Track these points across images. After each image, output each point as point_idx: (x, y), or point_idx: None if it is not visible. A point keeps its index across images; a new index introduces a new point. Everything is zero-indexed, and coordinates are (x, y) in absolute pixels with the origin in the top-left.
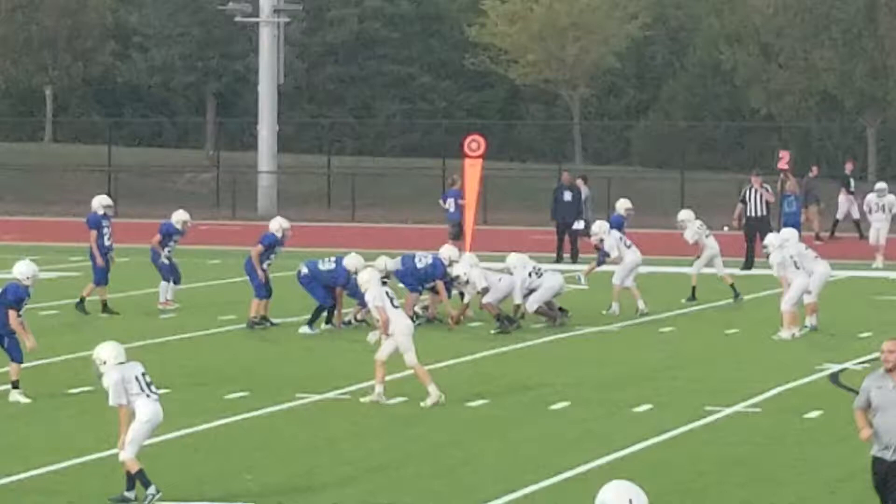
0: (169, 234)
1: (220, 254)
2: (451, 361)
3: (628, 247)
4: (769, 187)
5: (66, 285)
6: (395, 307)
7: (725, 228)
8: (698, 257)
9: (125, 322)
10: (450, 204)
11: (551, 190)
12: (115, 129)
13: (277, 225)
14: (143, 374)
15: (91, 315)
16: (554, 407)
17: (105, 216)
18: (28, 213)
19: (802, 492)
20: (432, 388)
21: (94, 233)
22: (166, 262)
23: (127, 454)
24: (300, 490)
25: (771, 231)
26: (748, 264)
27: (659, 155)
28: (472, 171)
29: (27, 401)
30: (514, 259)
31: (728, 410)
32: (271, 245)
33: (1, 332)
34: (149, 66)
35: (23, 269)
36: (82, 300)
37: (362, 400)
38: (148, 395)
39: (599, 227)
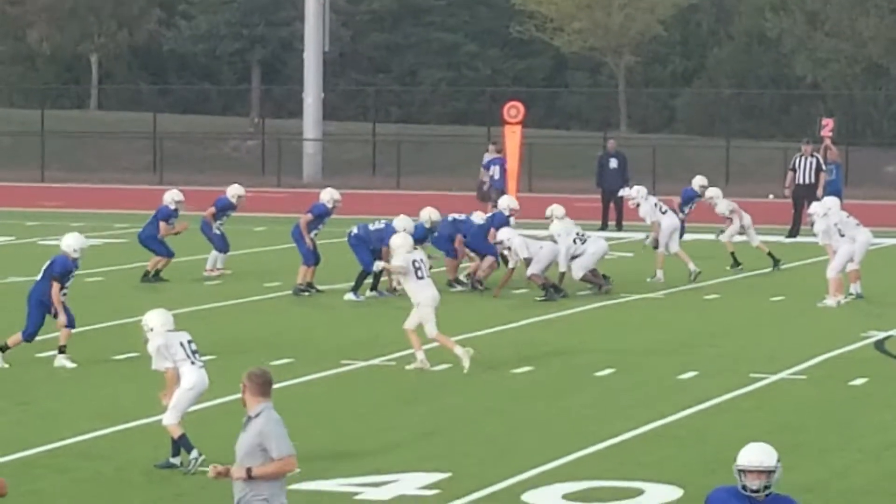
0: (223, 208)
1: (265, 221)
2: (496, 328)
3: (664, 213)
4: (818, 156)
5: (110, 252)
6: (421, 277)
7: (770, 196)
8: (727, 227)
9: (171, 289)
10: (494, 171)
11: (596, 157)
12: (161, 97)
13: (329, 196)
14: (189, 342)
15: (151, 282)
16: (599, 374)
17: (175, 212)
18: (73, 181)
19: (848, 459)
20: (459, 351)
21: (163, 224)
22: (217, 233)
23: (169, 419)
24: (344, 456)
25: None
26: (794, 232)
27: (704, 123)
28: (512, 137)
29: (73, 365)
30: (557, 226)
31: (773, 378)
32: (321, 215)
33: (48, 301)
34: (194, 33)
35: (71, 242)
36: (151, 273)
37: (407, 368)
38: (193, 363)
39: (637, 191)
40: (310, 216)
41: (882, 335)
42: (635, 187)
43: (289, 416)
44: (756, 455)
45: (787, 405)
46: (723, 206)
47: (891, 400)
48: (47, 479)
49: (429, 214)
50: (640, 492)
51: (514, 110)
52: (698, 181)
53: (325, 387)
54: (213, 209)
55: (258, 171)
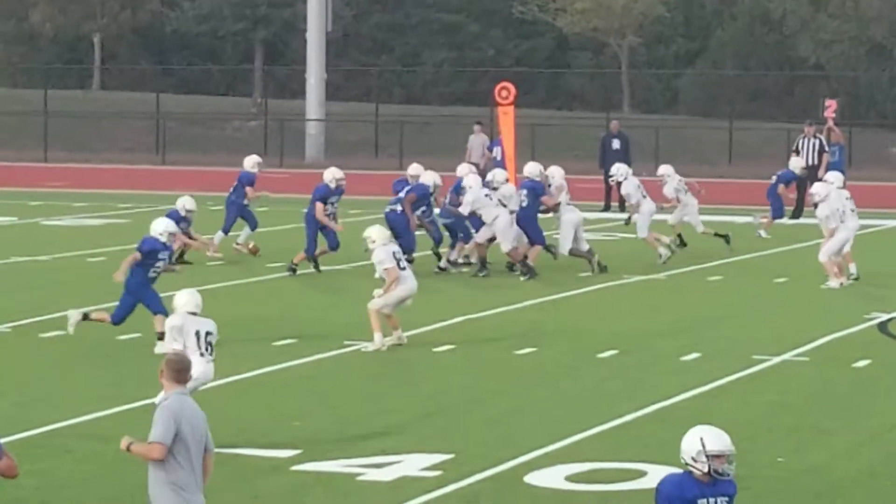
0: (248, 182)
1: (267, 201)
2: (500, 309)
3: (644, 196)
4: (822, 137)
5: (113, 232)
6: (403, 268)
7: (773, 177)
8: (673, 208)
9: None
10: (496, 152)
11: (599, 139)
12: (163, 77)
13: (330, 175)
14: (208, 333)
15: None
16: (602, 355)
17: (184, 219)
18: (76, 161)
19: (850, 441)
20: (393, 337)
21: (319, 205)
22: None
23: None
24: (347, 437)
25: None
26: (797, 213)
27: (707, 104)
28: (506, 118)
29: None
30: (507, 190)
31: (776, 359)
32: (324, 197)
33: (139, 289)
34: (196, 13)
35: (156, 227)
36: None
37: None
38: (201, 355)
39: (617, 169)
40: (320, 205)
41: (885, 317)
42: (616, 164)
43: (291, 396)
44: (726, 440)
45: (789, 387)
46: (672, 185)
47: (894, 382)
48: (49, 459)
49: (432, 179)
50: (642, 473)
51: (504, 91)
52: (797, 163)
53: (327, 367)
54: (238, 184)
55: (261, 152)
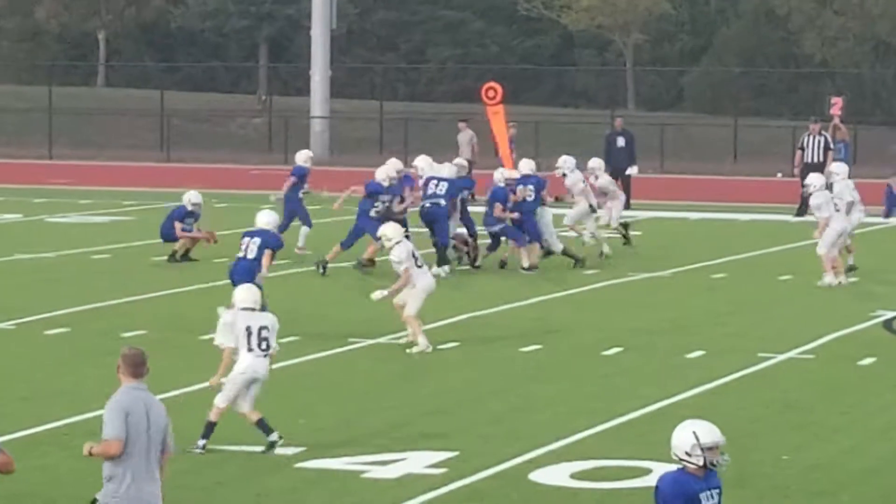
0: (302, 176)
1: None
2: (504, 307)
3: (583, 193)
4: (827, 135)
5: (118, 230)
6: (420, 266)
7: (779, 175)
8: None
9: (180, 265)
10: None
11: (604, 136)
12: (168, 74)
13: (384, 174)
14: (263, 328)
15: (178, 262)
16: (606, 353)
17: (191, 213)
18: (80, 158)
19: (856, 438)
20: (422, 341)
21: (177, 224)
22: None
23: (218, 400)
24: (352, 435)
25: None
26: (802, 211)
27: (712, 101)
28: (496, 118)
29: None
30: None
31: (781, 357)
32: (374, 192)
33: (236, 277)
34: (201, 10)
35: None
36: (178, 253)
37: (408, 351)
38: (249, 350)
39: (563, 162)
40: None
41: (890, 315)
42: (563, 157)
43: (295, 393)
44: (717, 431)
45: (795, 384)
46: (604, 180)
47: None
48: (52, 455)
49: (456, 168)
50: (647, 471)
51: (491, 92)
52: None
53: (331, 365)
54: (292, 179)
55: (265, 149)
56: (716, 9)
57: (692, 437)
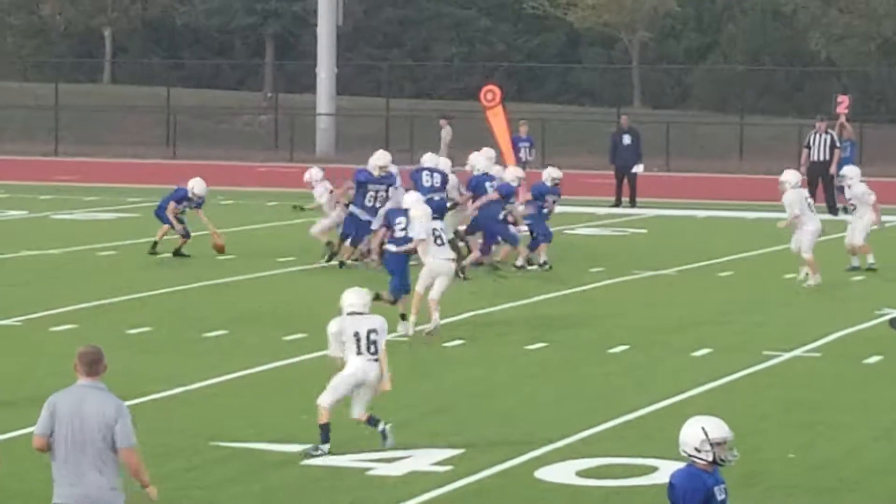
0: (363, 182)
1: (277, 195)
2: (509, 304)
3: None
4: (833, 133)
5: (123, 226)
6: (441, 245)
7: None
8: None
9: (185, 263)
10: (525, 153)
11: (610, 134)
12: (174, 71)
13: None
14: (371, 332)
15: (160, 257)
16: (612, 350)
17: (191, 201)
18: (87, 154)
19: (862, 437)
20: (434, 321)
21: (172, 203)
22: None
23: (323, 399)
24: (356, 432)
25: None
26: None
27: (718, 99)
28: (497, 120)
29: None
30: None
31: (787, 355)
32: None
33: (394, 268)
34: (207, 7)
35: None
36: (158, 244)
37: (419, 328)
38: (359, 354)
39: (474, 159)
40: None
41: None
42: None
43: (301, 391)
44: (725, 426)
45: (801, 382)
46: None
47: None
48: None
49: (483, 160)
50: (653, 469)
51: (490, 94)
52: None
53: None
54: (349, 184)
55: (271, 146)
56: (722, 6)
57: (701, 432)
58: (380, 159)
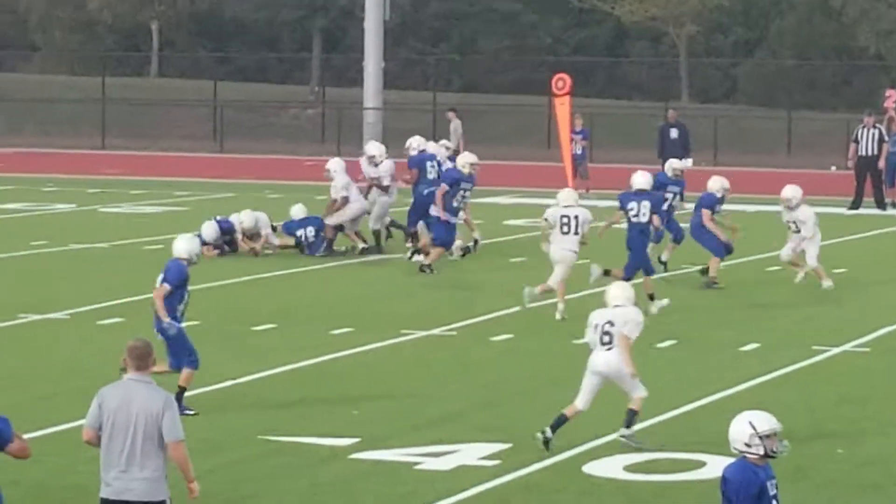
0: (455, 181)
1: (325, 189)
2: (557, 299)
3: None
4: (881, 127)
5: (170, 220)
6: (566, 233)
7: (833, 168)
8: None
9: (233, 258)
10: (577, 145)
11: (657, 128)
12: (221, 65)
13: (463, 160)
14: (607, 323)
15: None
16: (660, 346)
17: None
18: (133, 148)
19: None
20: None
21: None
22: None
23: (576, 403)
24: (406, 426)
25: (878, 170)
26: (856, 204)
27: (765, 93)
28: (562, 109)
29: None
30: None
31: (836, 350)
32: (455, 182)
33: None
34: (255, 1)
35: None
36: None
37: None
38: (597, 345)
39: (334, 164)
40: (445, 187)
41: None
42: (333, 160)
43: (348, 385)
44: (773, 419)
45: (850, 378)
46: (341, 181)
47: None
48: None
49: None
50: (701, 464)
51: (560, 82)
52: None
53: (384, 356)
54: (444, 187)
55: (318, 140)
56: (770, 0)
57: (749, 427)
58: (470, 157)
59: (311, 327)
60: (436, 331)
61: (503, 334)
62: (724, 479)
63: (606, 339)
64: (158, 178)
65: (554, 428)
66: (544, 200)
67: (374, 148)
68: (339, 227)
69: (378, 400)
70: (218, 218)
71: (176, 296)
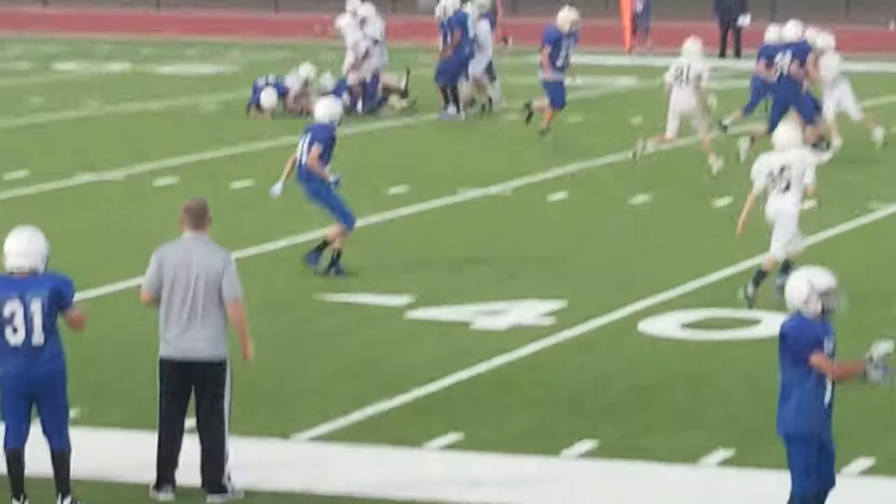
0: (555, 41)
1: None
2: (612, 158)
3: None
4: None
5: (224, 81)
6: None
7: (892, 25)
8: None
9: (290, 119)
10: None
11: None
12: None
13: (563, 17)
14: (783, 168)
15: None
16: (718, 203)
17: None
18: (189, 6)
19: None
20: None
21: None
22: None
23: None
24: (461, 285)
25: None
26: None
27: None
28: None
29: None
30: None
31: (894, 208)
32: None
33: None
34: None
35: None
36: None
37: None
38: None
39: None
40: (548, 47)
41: None
42: (342, 16)
43: (403, 244)
44: (830, 275)
45: None
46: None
47: None
48: None
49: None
50: (756, 321)
51: None
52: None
53: (439, 215)
54: (548, 47)
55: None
56: None
57: (807, 284)
58: (571, 14)
59: (366, 186)
60: (492, 189)
61: (558, 192)
62: (781, 335)
63: (783, 184)
64: (213, 37)
65: (756, 282)
66: (602, 59)
67: (366, 9)
68: (364, 83)
69: (432, 258)
70: (271, 80)
71: (324, 157)
